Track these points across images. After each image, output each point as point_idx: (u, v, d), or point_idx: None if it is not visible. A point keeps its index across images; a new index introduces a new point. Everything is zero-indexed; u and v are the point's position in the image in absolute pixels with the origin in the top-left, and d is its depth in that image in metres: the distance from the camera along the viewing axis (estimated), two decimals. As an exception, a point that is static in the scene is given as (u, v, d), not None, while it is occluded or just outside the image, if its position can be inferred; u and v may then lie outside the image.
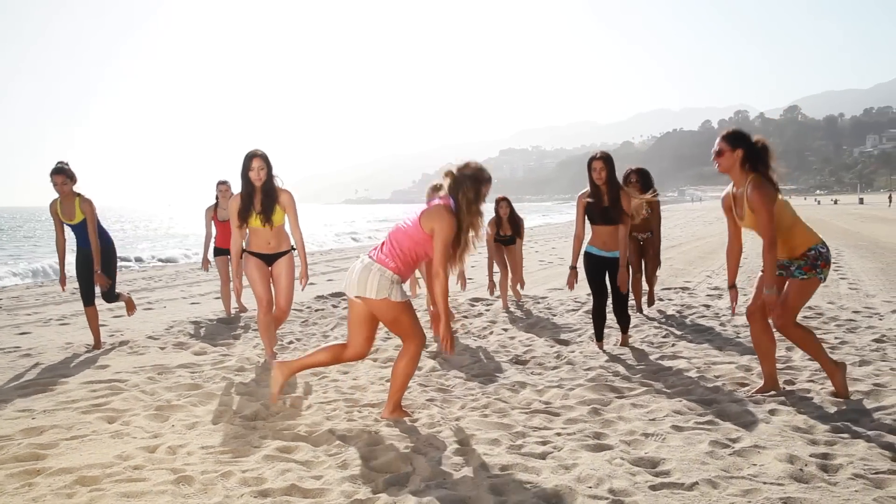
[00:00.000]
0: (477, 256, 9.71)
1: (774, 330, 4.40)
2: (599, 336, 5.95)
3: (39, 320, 8.47)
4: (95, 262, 6.43)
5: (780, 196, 4.25)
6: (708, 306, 8.07)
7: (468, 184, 3.88)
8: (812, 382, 4.65)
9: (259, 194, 5.34)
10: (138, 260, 20.20)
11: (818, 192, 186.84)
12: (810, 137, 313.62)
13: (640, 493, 2.97)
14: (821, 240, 4.32)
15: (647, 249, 7.71)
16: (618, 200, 5.74)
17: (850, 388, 4.40)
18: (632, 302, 7.61)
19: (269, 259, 5.56)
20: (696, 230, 27.14)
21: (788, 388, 4.57)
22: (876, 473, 3.10)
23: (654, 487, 3.02)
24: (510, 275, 8.60)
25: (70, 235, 6.55)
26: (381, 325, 4.14)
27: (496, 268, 8.58)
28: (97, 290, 6.58)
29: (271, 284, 5.59)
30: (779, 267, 4.39)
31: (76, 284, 6.90)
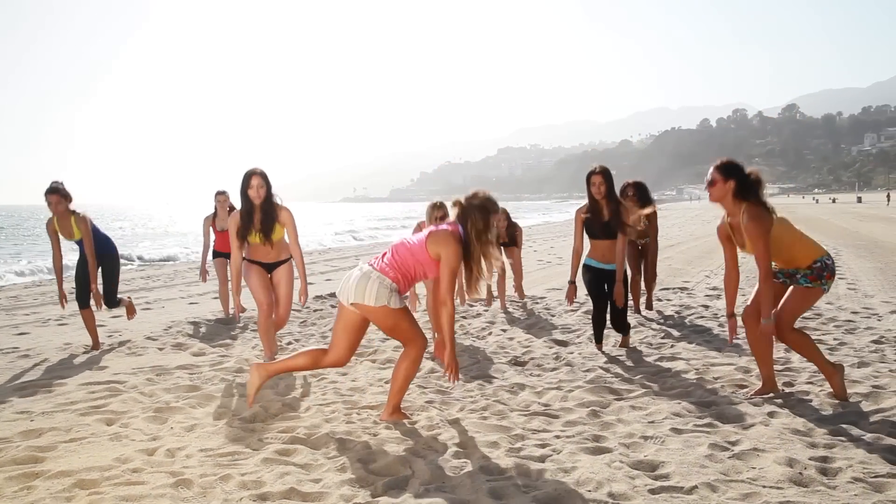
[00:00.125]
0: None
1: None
2: (598, 339, 5.95)
3: (38, 320, 8.46)
4: (92, 280, 6.47)
5: (776, 215, 4.26)
6: (707, 307, 8.08)
7: (477, 214, 3.89)
8: (811, 384, 4.66)
9: (258, 213, 5.37)
10: (140, 258, 20.21)
11: (816, 190, 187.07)
12: (808, 136, 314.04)
13: (640, 497, 2.97)
14: (826, 252, 4.34)
15: (646, 254, 7.76)
16: (617, 214, 5.75)
17: (848, 390, 4.40)
18: (631, 303, 7.62)
19: (269, 267, 5.59)
20: (694, 229, 27.16)
21: (787, 390, 4.57)
22: (875, 477, 3.10)
23: (653, 491, 3.02)
24: (510, 275, 8.63)
25: (74, 245, 6.58)
26: (373, 326, 4.12)
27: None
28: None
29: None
30: (784, 275, 4.41)
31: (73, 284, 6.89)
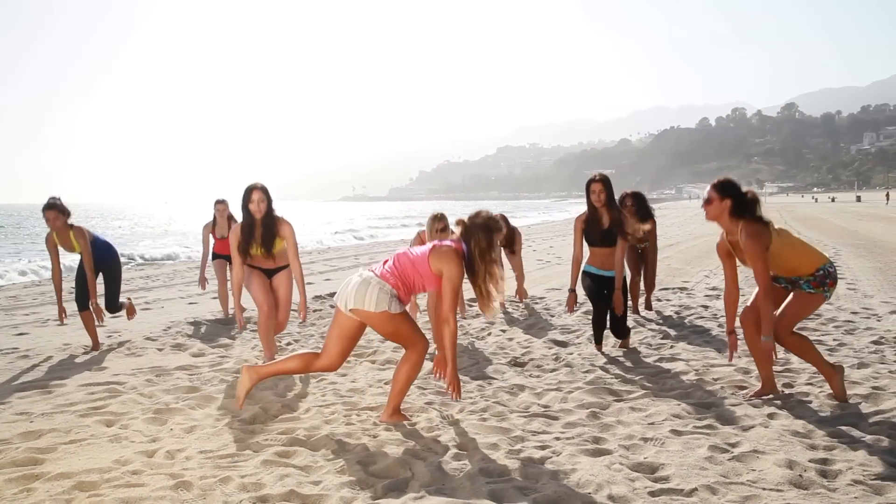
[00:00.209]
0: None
1: None
2: (598, 340, 5.95)
3: (37, 320, 8.45)
4: (92, 295, 6.49)
5: (774, 228, 4.28)
6: (706, 307, 8.08)
7: (480, 233, 3.92)
8: (811, 385, 4.66)
9: (259, 227, 5.42)
10: (142, 257, 20.22)
11: (815, 189, 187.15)
12: (808, 135, 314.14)
13: (640, 500, 2.97)
14: (828, 259, 4.36)
15: (645, 258, 7.79)
16: (618, 222, 5.75)
17: (848, 392, 4.40)
18: (630, 303, 7.63)
19: (269, 272, 5.66)
20: (693, 228, 27.14)
21: (787, 391, 4.58)
22: (875, 479, 3.11)
23: (653, 494, 3.02)
24: (510, 276, 8.65)
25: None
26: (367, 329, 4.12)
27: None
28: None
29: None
30: (786, 280, 4.42)
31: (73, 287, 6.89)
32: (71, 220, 6.44)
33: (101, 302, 6.62)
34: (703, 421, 3.99)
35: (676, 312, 7.82)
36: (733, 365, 5.25)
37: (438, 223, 5.97)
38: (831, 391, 4.38)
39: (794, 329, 4.38)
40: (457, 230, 4.02)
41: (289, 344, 6.60)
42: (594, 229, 5.85)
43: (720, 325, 6.92)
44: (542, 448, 3.63)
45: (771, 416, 4.04)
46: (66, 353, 6.43)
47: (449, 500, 3.00)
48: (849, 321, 6.89)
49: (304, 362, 4.06)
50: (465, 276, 3.98)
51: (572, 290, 6.10)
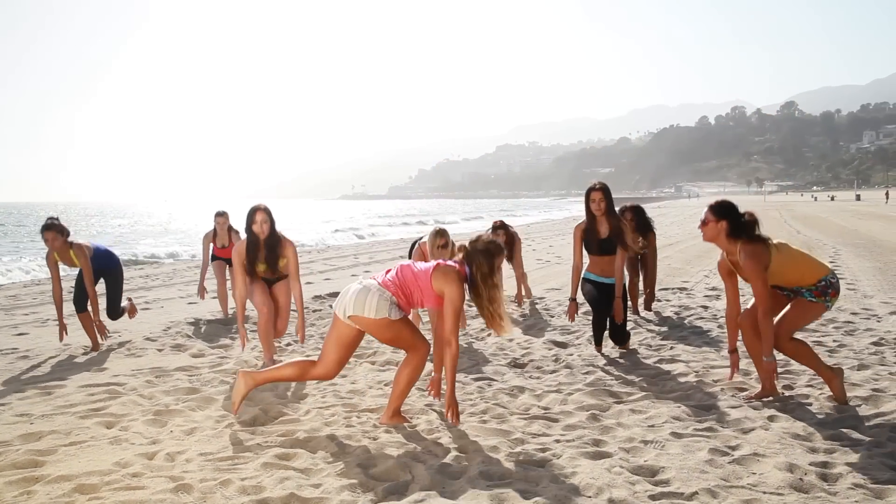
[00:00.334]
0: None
1: None
2: (598, 342, 5.95)
3: (37, 320, 8.45)
4: (94, 313, 6.53)
5: (774, 244, 4.29)
6: (706, 307, 8.07)
7: (481, 258, 3.95)
8: (811, 387, 4.66)
9: (263, 248, 5.51)
10: (152, 256, 20.21)
11: (815, 188, 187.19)
12: (807, 133, 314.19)
13: (640, 503, 2.97)
14: (830, 270, 4.37)
15: (645, 263, 7.81)
16: (617, 231, 5.76)
17: (848, 394, 4.41)
18: (629, 303, 7.63)
19: (269, 281, 5.75)
20: (692, 228, 27.12)
21: (787, 393, 4.58)
22: (876, 483, 3.11)
23: (653, 497, 3.02)
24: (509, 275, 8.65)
25: None
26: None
27: None
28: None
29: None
30: (788, 290, 4.44)
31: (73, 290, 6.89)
32: (70, 238, 6.50)
33: (102, 306, 6.65)
34: (703, 423, 3.99)
35: (676, 313, 7.81)
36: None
37: (440, 239, 5.97)
38: (831, 393, 4.38)
39: (792, 335, 4.39)
40: (459, 255, 4.06)
41: (288, 344, 6.59)
42: (593, 238, 5.86)
43: (720, 326, 6.91)
44: (543, 451, 3.63)
45: (771, 418, 4.04)
46: (65, 353, 6.43)
47: (449, 503, 3.00)
48: (848, 322, 6.89)
49: (300, 370, 4.07)
50: (469, 298, 4.02)
51: (573, 300, 6.10)
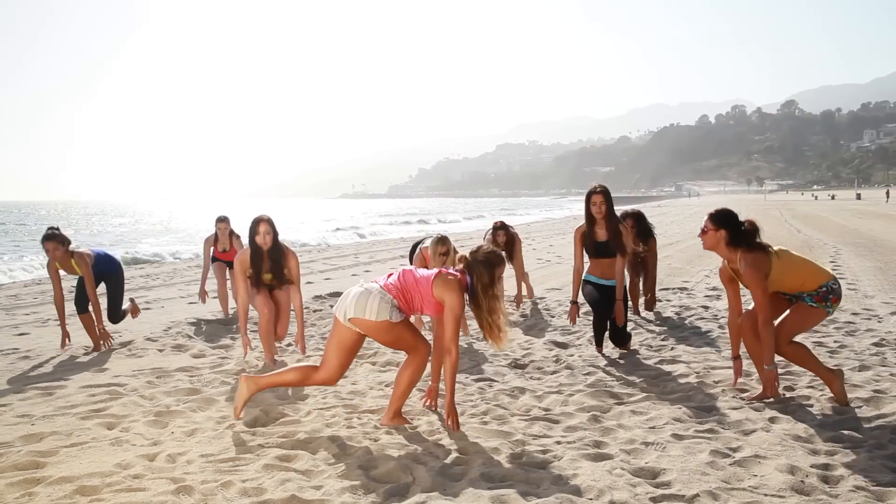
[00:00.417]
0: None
1: None
2: (599, 342, 5.95)
3: (38, 320, 8.44)
4: (98, 321, 6.55)
5: (774, 251, 4.29)
6: (706, 307, 8.07)
7: (481, 269, 3.96)
8: (812, 388, 4.66)
9: (267, 260, 5.58)
10: (157, 256, 20.22)
11: (815, 187, 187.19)
12: (807, 132, 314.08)
13: (641, 506, 2.97)
14: (832, 276, 4.37)
15: (646, 265, 7.81)
16: (617, 234, 5.77)
17: (849, 395, 4.41)
18: (630, 303, 7.63)
19: (270, 287, 5.81)
20: (693, 227, 27.13)
21: (788, 394, 4.58)
22: (877, 485, 3.11)
23: (654, 499, 3.02)
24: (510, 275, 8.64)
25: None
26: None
27: None
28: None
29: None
30: (790, 295, 4.44)
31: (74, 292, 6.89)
32: (72, 247, 6.52)
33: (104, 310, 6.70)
34: (704, 425, 3.99)
35: (677, 313, 7.81)
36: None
37: (441, 247, 5.98)
38: (832, 395, 4.38)
39: (791, 339, 4.40)
40: (460, 265, 4.07)
41: (289, 345, 6.59)
42: (593, 241, 5.87)
43: (720, 327, 6.91)
44: (544, 452, 3.63)
45: (772, 420, 4.04)
46: (66, 353, 6.43)
47: (451, 505, 3.00)
48: (849, 322, 6.88)
49: (302, 375, 4.08)
50: (469, 307, 4.04)
51: (574, 302, 6.10)
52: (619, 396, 4.65)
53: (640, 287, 7.95)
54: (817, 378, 4.78)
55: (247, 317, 5.71)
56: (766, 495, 3.04)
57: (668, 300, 8.70)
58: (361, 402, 4.64)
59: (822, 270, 4.38)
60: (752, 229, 4.35)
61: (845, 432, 3.81)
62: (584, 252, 5.97)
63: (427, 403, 4.45)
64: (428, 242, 6.32)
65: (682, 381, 5.01)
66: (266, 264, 5.57)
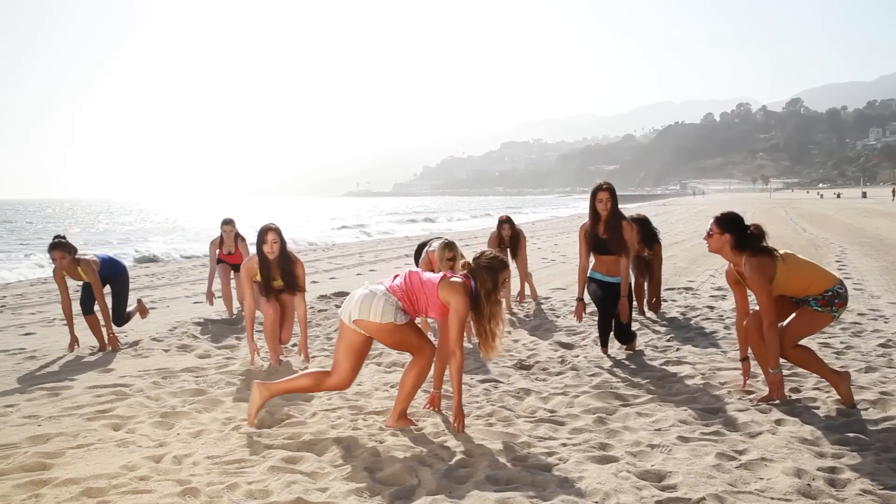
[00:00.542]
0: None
1: None
2: (604, 343, 5.94)
3: (44, 320, 8.47)
4: (107, 326, 6.59)
5: (780, 255, 4.28)
6: (712, 307, 8.05)
7: (485, 274, 3.97)
8: (818, 390, 4.64)
9: (276, 269, 5.62)
10: (166, 255, 20.27)
11: (821, 185, 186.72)
12: (813, 130, 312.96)
13: (647, 509, 2.96)
14: (838, 280, 4.35)
15: (651, 266, 7.80)
16: (619, 231, 5.76)
17: (856, 397, 4.39)
18: (635, 303, 7.61)
19: (277, 291, 5.83)
20: (698, 226, 27.06)
21: (794, 396, 4.56)
22: (884, 489, 3.10)
23: (660, 503, 3.01)
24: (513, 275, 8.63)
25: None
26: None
27: None
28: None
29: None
30: (795, 298, 4.43)
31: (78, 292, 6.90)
32: (78, 255, 6.53)
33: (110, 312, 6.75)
34: (710, 427, 3.98)
35: (682, 314, 7.79)
36: (740, 369, 5.23)
37: (448, 252, 5.98)
38: (839, 397, 4.37)
39: (796, 343, 4.38)
40: (463, 270, 4.07)
41: (294, 345, 6.59)
42: (598, 238, 5.86)
43: (726, 327, 6.90)
44: (549, 454, 3.63)
45: (778, 422, 4.02)
46: (72, 353, 6.44)
47: (456, 508, 3.00)
48: (855, 323, 6.85)
49: (315, 381, 4.09)
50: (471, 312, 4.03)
51: (580, 300, 6.09)
52: (624, 398, 4.64)
53: (645, 288, 7.93)
54: (823, 380, 4.77)
55: (253, 323, 5.74)
56: (772, 499, 3.03)
57: (674, 300, 8.68)
58: (367, 403, 4.64)
59: (827, 274, 4.36)
60: (758, 233, 4.35)
61: (852, 435, 3.80)
62: (589, 249, 5.96)
63: (428, 408, 4.45)
64: (434, 245, 6.31)
65: (687, 382, 5.00)
66: (276, 273, 5.62)
